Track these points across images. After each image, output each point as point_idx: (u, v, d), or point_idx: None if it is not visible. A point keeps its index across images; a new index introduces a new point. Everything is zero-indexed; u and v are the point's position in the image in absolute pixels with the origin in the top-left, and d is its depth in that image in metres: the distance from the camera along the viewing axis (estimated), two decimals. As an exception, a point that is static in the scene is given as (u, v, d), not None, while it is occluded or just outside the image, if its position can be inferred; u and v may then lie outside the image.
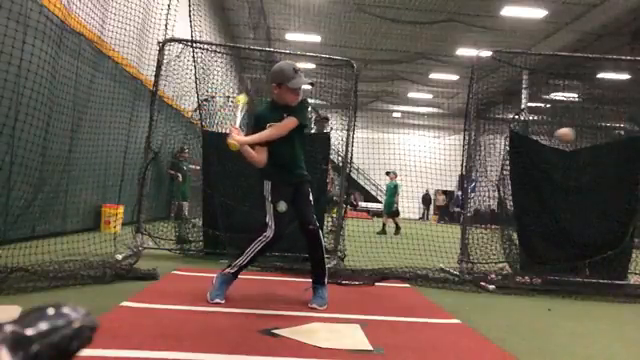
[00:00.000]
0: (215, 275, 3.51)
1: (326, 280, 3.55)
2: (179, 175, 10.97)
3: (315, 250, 3.50)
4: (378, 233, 11.99)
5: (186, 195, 11.04)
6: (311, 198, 3.55)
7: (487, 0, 15.08)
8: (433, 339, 2.87)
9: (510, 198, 5.45)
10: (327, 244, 5.88)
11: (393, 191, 13.22)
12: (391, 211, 13.32)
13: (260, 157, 3.44)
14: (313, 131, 6.68)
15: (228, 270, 3.46)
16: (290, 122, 3.38)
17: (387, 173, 12.95)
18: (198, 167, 7.15)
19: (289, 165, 3.51)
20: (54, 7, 5.13)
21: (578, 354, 2.83)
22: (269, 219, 3.43)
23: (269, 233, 3.41)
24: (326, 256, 3.67)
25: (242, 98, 3.55)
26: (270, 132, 3.40)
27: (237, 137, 3.27)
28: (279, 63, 3.55)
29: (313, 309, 3.35)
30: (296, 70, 3.39)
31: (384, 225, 13.08)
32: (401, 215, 13.53)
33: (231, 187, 5.68)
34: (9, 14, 4.32)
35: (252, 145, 3.40)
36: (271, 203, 3.43)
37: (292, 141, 3.46)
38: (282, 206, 3.42)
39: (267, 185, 3.48)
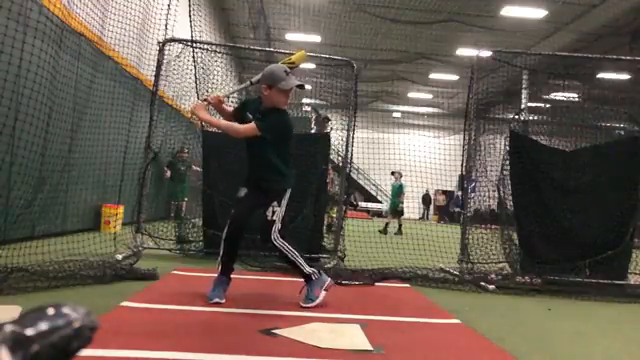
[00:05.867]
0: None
1: (313, 276, 3.50)
2: (168, 171, 10.93)
3: (284, 258, 3.54)
4: (380, 231, 12.03)
5: (184, 195, 11.04)
6: (270, 213, 3.44)
7: (487, 0, 15.08)
8: (433, 339, 2.87)
9: (510, 198, 5.45)
10: (327, 244, 5.89)
11: (398, 191, 13.22)
12: (396, 211, 13.34)
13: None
14: (313, 131, 6.69)
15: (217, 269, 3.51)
16: (249, 128, 3.38)
17: (392, 173, 12.95)
18: (199, 169, 7.16)
19: (254, 167, 3.57)
20: (54, 7, 5.13)
21: (578, 354, 2.83)
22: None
23: (228, 218, 3.49)
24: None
25: (301, 55, 3.65)
26: (228, 126, 3.51)
27: (200, 109, 3.53)
28: (270, 66, 3.58)
29: (313, 309, 3.35)
30: (287, 72, 3.43)
31: (387, 224, 13.09)
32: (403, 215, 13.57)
33: (231, 187, 5.65)
34: (9, 14, 4.32)
35: (222, 111, 3.67)
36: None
37: (261, 146, 3.42)
38: (241, 192, 3.55)
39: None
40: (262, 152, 3.46)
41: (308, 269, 3.51)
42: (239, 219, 3.47)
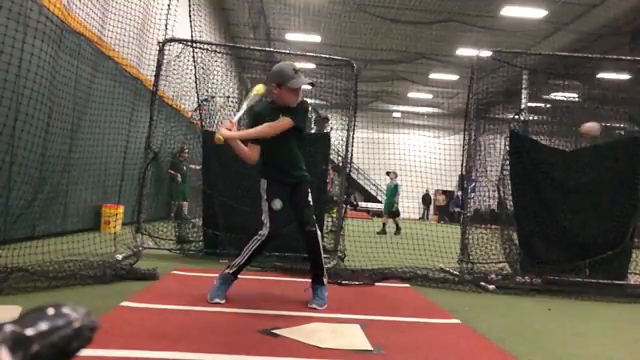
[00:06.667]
0: (216, 276, 3.52)
1: (325, 280, 3.56)
2: (178, 175, 10.98)
3: (313, 251, 3.51)
4: (378, 233, 12.00)
5: (186, 195, 11.06)
6: (310, 199, 3.54)
7: (487, 0, 15.08)
8: (433, 339, 2.87)
9: (510, 198, 5.45)
10: (327, 244, 5.88)
11: (393, 191, 13.21)
12: (391, 211, 13.32)
13: (251, 153, 3.49)
14: (313, 131, 6.69)
15: (227, 271, 3.47)
16: (284, 122, 3.37)
17: (387, 173, 12.95)
18: (198, 167, 7.18)
19: (284, 165, 3.51)
20: (54, 7, 5.13)
21: (578, 354, 2.83)
22: (264, 217, 3.43)
23: (264, 231, 3.41)
24: (325, 256, 3.68)
25: (260, 88, 3.56)
26: (261, 129, 3.42)
27: (224, 131, 3.28)
28: (279, 64, 3.56)
29: (313, 309, 3.35)
30: (296, 70, 3.41)
31: (384, 225, 13.09)
32: (401, 215, 13.53)
33: (231, 187, 5.68)
34: (9, 14, 4.32)
35: (245, 141, 3.45)
36: (266, 201, 3.44)
37: (287, 142, 3.45)
38: (277, 204, 3.42)
39: (263, 183, 3.50)
40: (291, 150, 3.49)
41: (325, 270, 3.56)
42: (276, 232, 3.44)
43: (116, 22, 5.88)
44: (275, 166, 3.51)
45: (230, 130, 3.33)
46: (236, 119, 3.60)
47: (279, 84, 3.40)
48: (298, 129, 3.46)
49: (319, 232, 3.53)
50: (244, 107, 3.59)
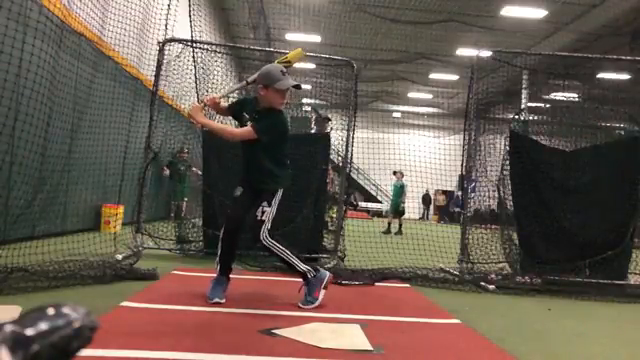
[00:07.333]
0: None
1: (309, 276, 3.49)
2: (167, 172, 10.94)
3: (280, 259, 3.54)
4: (384, 232, 12.02)
5: (184, 195, 11.06)
6: (260, 213, 3.43)
7: (487, 0, 15.08)
8: (433, 339, 2.87)
9: (510, 198, 5.45)
10: (327, 244, 5.89)
11: (399, 191, 13.16)
12: (397, 211, 13.27)
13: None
14: (313, 131, 6.69)
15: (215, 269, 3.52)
16: (246, 132, 3.41)
17: (394, 173, 12.88)
18: (199, 171, 7.17)
19: (249, 167, 3.57)
20: (54, 7, 5.13)
21: (578, 354, 2.83)
22: None
23: (225, 219, 3.51)
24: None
25: (298, 53, 3.64)
26: (224, 130, 3.59)
27: (195, 110, 3.48)
28: (267, 66, 3.58)
29: (313, 309, 3.35)
30: (283, 72, 3.43)
31: (389, 225, 13.05)
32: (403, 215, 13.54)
33: (231, 187, 5.66)
34: (9, 14, 4.32)
35: (219, 110, 3.69)
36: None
37: (255, 150, 3.45)
38: (237, 191, 3.55)
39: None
40: (256, 155, 3.48)
41: (302, 267, 3.49)
42: (235, 218, 3.49)
43: (116, 22, 5.88)
44: (244, 165, 3.62)
45: (215, 105, 3.56)
46: (223, 93, 3.79)
47: (266, 85, 3.40)
48: (279, 137, 3.48)
49: (271, 242, 3.43)
50: (234, 88, 3.82)
